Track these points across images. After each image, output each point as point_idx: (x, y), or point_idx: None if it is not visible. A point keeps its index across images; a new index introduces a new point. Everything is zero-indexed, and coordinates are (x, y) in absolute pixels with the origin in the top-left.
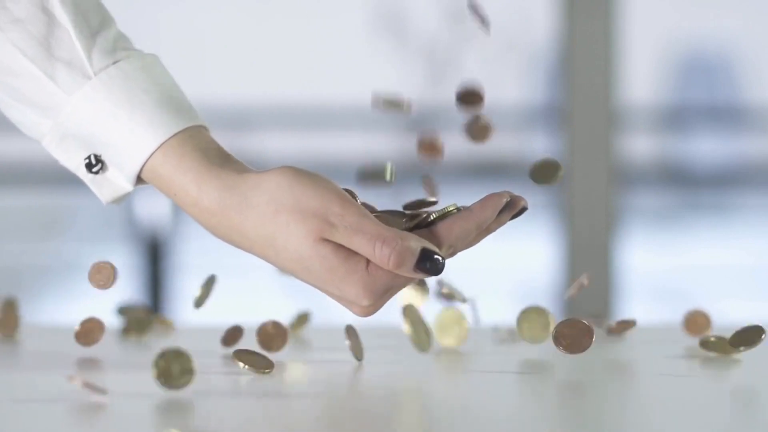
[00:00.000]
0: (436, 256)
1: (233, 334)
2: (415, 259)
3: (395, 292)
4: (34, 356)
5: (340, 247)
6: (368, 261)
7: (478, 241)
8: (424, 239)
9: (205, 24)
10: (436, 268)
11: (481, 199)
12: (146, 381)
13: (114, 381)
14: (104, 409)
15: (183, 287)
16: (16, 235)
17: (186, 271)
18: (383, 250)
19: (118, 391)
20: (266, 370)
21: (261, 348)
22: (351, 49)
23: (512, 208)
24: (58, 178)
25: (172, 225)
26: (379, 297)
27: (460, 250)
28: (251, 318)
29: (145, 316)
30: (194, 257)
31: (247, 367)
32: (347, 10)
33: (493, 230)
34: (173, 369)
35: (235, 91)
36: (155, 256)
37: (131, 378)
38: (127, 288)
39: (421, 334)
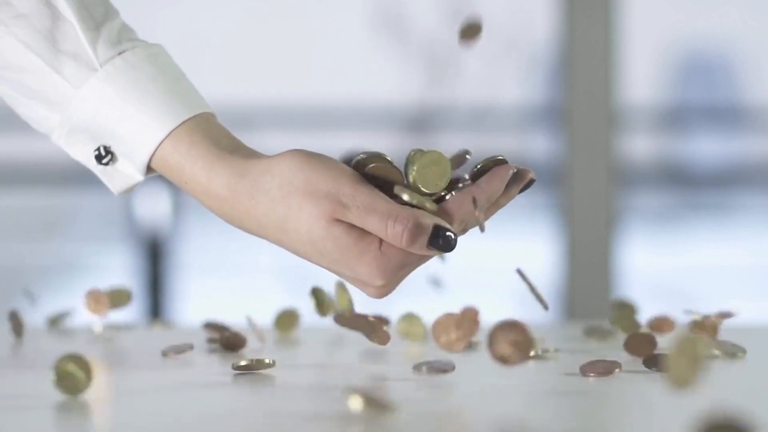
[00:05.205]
0: (448, 233)
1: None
2: (428, 235)
3: (409, 272)
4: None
5: (352, 227)
6: (381, 241)
7: (488, 216)
8: (435, 216)
9: (205, 24)
10: (449, 245)
11: (488, 173)
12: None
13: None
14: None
15: (183, 287)
16: (17, 235)
17: (186, 271)
18: (395, 227)
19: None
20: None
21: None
22: (351, 49)
23: (520, 181)
24: (58, 178)
25: (172, 225)
26: (393, 276)
27: (471, 227)
28: (251, 318)
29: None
30: (194, 257)
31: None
32: (347, 10)
33: (503, 204)
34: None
35: (235, 91)
36: (155, 256)
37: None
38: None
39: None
